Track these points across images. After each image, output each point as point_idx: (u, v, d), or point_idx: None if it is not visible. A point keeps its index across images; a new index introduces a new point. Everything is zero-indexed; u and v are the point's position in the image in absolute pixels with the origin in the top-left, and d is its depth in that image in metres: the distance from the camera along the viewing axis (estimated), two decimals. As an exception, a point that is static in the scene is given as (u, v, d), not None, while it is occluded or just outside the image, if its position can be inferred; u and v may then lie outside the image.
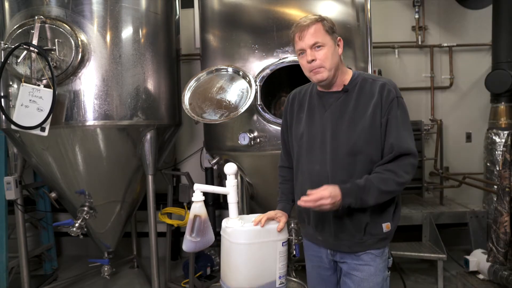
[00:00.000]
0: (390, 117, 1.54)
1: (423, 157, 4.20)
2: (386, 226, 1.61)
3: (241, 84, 2.63)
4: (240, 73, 2.65)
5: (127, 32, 2.88)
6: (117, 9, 2.83)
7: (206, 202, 1.65)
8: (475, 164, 4.42)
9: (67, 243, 4.64)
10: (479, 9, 4.48)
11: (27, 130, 2.61)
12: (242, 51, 2.72)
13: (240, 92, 2.59)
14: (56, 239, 4.19)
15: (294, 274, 3.14)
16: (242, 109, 2.49)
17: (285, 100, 3.37)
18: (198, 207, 1.62)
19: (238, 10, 2.78)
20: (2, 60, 2.56)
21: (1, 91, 2.84)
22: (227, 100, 2.58)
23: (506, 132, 3.85)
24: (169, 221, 3.47)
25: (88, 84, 2.74)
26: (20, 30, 2.62)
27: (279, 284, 1.67)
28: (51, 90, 2.56)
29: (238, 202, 1.70)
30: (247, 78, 2.60)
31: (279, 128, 2.61)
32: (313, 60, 1.56)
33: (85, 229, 3.17)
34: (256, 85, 2.60)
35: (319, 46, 1.56)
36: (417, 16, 4.42)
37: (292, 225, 2.88)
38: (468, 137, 4.57)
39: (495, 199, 3.37)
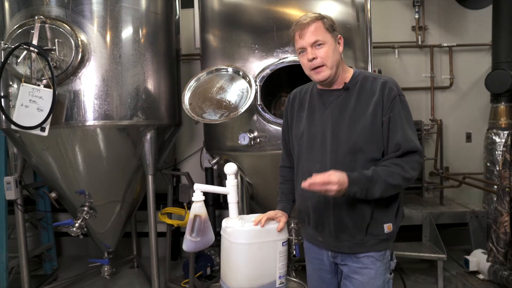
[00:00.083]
0: (394, 115, 1.52)
1: (423, 157, 4.20)
2: (387, 227, 1.59)
3: (241, 84, 2.63)
4: (240, 73, 2.65)
5: (127, 32, 2.88)
6: (117, 9, 2.83)
7: (206, 202, 1.65)
8: (475, 164, 4.42)
9: (67, 243, 4.64)
10: (479, 9, 4.48)
11: (27, 130, 2.61)
12: (242, 51, 2.72)
13: (240, 92, 2.59)
14: (56, 239, 4.19)
15: (294, 274, 3.14)
16: (242, 109, 2.49)
17: (285, 100, 3.39)
18: (198, 207, 1.62)
19: (238, 10, 2.78)
20: (2, 60, 2.56)
21: (1, 91, 2.84)
22: (227, 100, 2.58)
23: (506, 132, 3.85)
24: (169, 221, 3.47)
25: (88, 84, 2.74)
26: (20, 30, 2.62)
27: (279, 284, 1.67)
28: (51, 90, 2.56)
29: (238, 202, 1.69)
30: (247, 78, 2.60)
31: (279, 128, 2.62)
32: (314, 58, 1.55)
33: (85, 229, 3.17)
34: (256, 85, 2.60)
35: (319, 44, 1.55)
36: (417, 16, 4.42)
37: (292, 225, 2.88)
38: (468, 137, 4.57)
39: (495, 199, 3.37)
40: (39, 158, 2.98)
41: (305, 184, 1.41)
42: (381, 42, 4.35)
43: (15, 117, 2.60)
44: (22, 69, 2.62)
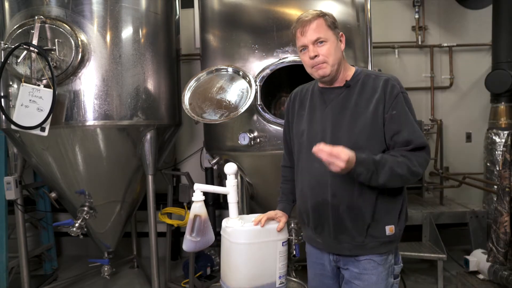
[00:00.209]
0: (397, 112, 1.49)
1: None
2: (389, 229, 1.55)
3: (241, 84, 2.63)
4: (240, 73, 2.65)
5: (127, 32, 2.88)
6: (117, 9, 2.83)
7: (206, 202, 1.65)
8: (475, 164, 4.42)
9: (67, 243, 4.64)
10: (479, 9, 4.48)
11: (27, 130, 2.61)
12: (242, 51, 2.72)
13: (240, 92, 2.59)
14: (56, 239, 4.19)
15: (294, 274, 3.14)
16: (242, 109, 2.49)
17: (285, 100, 3.40)
18: (198, 207, 1.62)
19: (238, 10, 2.78)
20: (2, 60, 2.56)
21: (1, 91, 2.84)
22: (227, 100, 2.58)
23: (506, 132, 3.85)
24: (169, 221, 3.47)
25: (88, 84, 2.74)
26: (20, 30, 2.62)
27: (279, 284, 1.67)
28: (51, 90, 2.56)
29: (238, 202, 1.69)
30: (247, 78, 2.60)
31: (279, 128, 2.63)
32: (315, 56, 1.53)
33: (85, 229, 3.17)
34: (256, 85, 2.60)
35: (321, 42, 1.53)
36: (417, 16, 4.42)
37: (292, 225, 2.88)
38: (468, 137, 4.57)
39: (495, 199, 3.37)
40: (39, 158, 2.98)
41: (315, 148, 1.38)
42: (381, 42, 4.35)
43: (15, 117, 2.60)
44: (22, 69, 2.62)
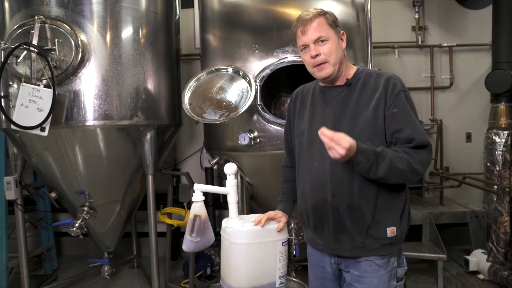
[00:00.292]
0: (398, 110, 1.47)
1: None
2: (391, 231, 1.52)
3: (241, 84, 2.63)
4: (240, 73, 2.65)
5: (127, 32, 2.88)
6: (117, 9, 2.83)
7: (206, 202, 1.65)
8: (475, 164, 4.42)
9: (67, 243, 4.64)
10: (479, 9, 4.48)
11: (27, 130, 2.61)
12: (242, 51, 2.72)
13: (240, 92, 2.59)
14: (56, 239, 4.19)
15: (294, 274, 3.14)
16: (242, 109, 2.49)
17: (285, 100, 3.40)
18: (198, 207, 1.62)
19: (238, 10, 2.78)
20: (2, 60, 2.56)
21: (1, 91, 2.84)
22: (227, 100, 2.58)
23: (506, 132, 3.85)
24: (169, 221, 3.47)
25: (88, 84, 2.74)
26: (20, 30, 2.62)
27: (279, 284, 1.67)
28: (51, 90, 2.56)
29: (238, 202, 1.69)
30: (247, 78, 2.60)
31: (279, 128, 2.63)
32: (317, 55, 1.51)
33: (85, 229, 3.17)
34: (256, 85, 2.60)
35: (323, 41, 1.51)
36: (417, 16, 4.42)
37: (292, 225, 2.88)
38: (468, 137, 4.57)
39: (495, 199, 3.37)
40: (39, 158, 2.98)
41: (319, 131, 1.35)
42: (381, 42, 4.35)
43: (15, 117, 2.60)
44: (22, 69, 2.62)
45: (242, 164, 2.81)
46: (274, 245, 1.65)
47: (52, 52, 2.58)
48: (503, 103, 4.01)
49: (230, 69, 2.70)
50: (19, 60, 2.57)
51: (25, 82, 2.59)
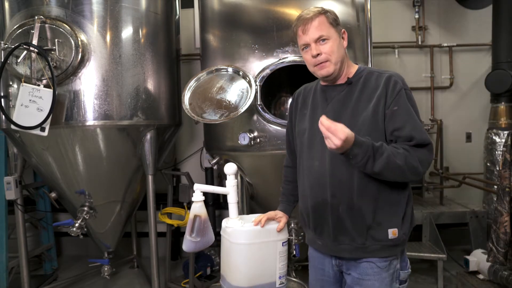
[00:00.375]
0: (399, 108, 1.45)
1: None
2: (392, 232, 1.49)
3: (241, 84, 2.63)
4: (240, 73, 2.65)
5: (127, 32, 2.88)
6: (117, 9, 2.83)
7: (206, 202, 1.65)
8: (475, 164, 4.42)
9: (67, 243, 4.64)
10: (479, 9, 4.48)
11: (27, 130, 2.61)
12: (242, 51, 2.72)
13: (240, 92, 2.59)
14: (56, 239, 4.19)
15: (294, 274, 3.14)
16: (242, 109, 2.49)
17: (285, 100, 3.40)
18: (198, 207, 1.62)
19: (238, 10, 2.78)
20: (2, 60, 2.56)
21: (1, 91, 2.84)
22: (227, 100, 2.58)
23: (506, 132, 3.85)
24: (169, 221, 3.47)
25: (88, 84, 2.74)
26: (20, 30, 2.62)
27: (279, 284, 1.67)
28: (51, 90, 2.56)
29: (238, 202, 1.69)
30: (247, 78, 2.60)
31: (279, 128, 2.63)
32: (318, 54, 1.50)
33: (85, 229, 3.17)
34: (256, 85, 2.60)
35: (324, 40, 1.50)
36: (417, 16, 4.42)
37: (292, 225, 2.88)
38: (468, 137, 4.57)
39: (495, 199, 3.37)
40: (39, 158, 2.98)
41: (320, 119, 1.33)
42: (381, 42, 4.35)
43: (15, 117, 2.60)
44: (22, 69, 2.62)
45: (242, 164, 2.81)
46: (274, 245, 1.64)
47: (52, 52, 2.58)
48: (503, 103, 4.01)
49: (230, 69, 2.70)
50: (19, 60, 2.57)
51: (25, 82, 2.59)
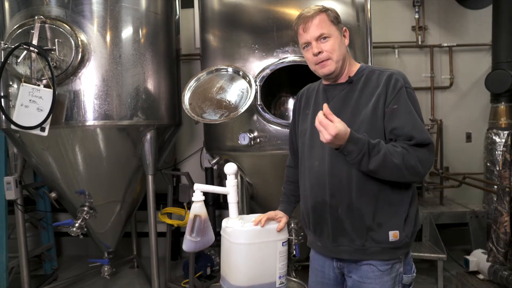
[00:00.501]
0: (399, 106, 1.42)
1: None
2: (393, 235, 1.45)
3: (241, 84, 2.63)
4: (240, 73, 2.65)
5: (127, 32, 2.88)
6: (117, 9, 2.83)
7: (206, 202, 1.65)
8: (475, 164, 4.42)
9: (67, 243, 4.64)
10: (479, 9, 4.48)
11: (27, 130, 2.61)
12: (242, 51, 2.72)
13: (240, 92, 2.59)
14: (56, 239, 4.19)
15: (294, 274, 3.14)
16: (242, 109, 2.49)
17: (285, 100, 3.40)
18: (198, 207, 1.62)
19: (238, 10, 2.78)
20: (2, 60, 2.56)
21: (1, 91, 2.84)
22: (227, 100, 2.58)
23: (506, 132, 3.85)
24: (169, 221, 3.47)
25: (88, 84, 2.74)
26: (20, 30, 2.62)
27: (279, 284, 1.67)
28: (51, 90, 2.56)
29: (238, 202, 1.69)
30: (247, 78, 2.60)
31: (279, 128, 2.63)
32: (319, 53, 1.48)
33: (85, 229, 3.17)
34: (256, 85, 2.60)
35: (325, 38, 1.48)
36: (417, 16, 4.42)
37: (292, 225, 2.88)
38: (468, 137, 4.57)
39: (495, 199, 3.37)
40: (39, 158, 2.98)
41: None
42: (381, 42, 4.35)
43: (15, 117, 2.59)
44: (22, 69, 2.62)
45: (242, 164, 2.81)
46: (274, 245, 1.64)
47: (52, 52, 2.58)
48: (503, 103, 4.01)
49: (230, 69, 2.70)
50: (19, 60, 2.57)
51: (25, 82, 2.59)
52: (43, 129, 2.61)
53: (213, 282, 3.46)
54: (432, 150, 1.43)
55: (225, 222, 1.69)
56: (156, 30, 3.06)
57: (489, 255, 2.75)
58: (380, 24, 4.17)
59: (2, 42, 2.58)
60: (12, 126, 2.62)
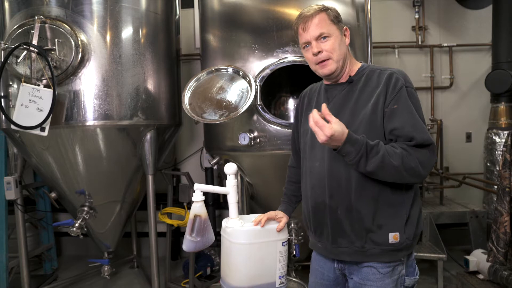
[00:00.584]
0: (399, 106, 1.40)
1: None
2: (393, 237, 1.43)
3: (241, 84, 2.63)
4: (240, 73, 2.65)
5: (127, 32, 2.88)
6: (117, 9, 2.83)
7: (206, 202, 1.65)
8: (475, 164, 4.42)
9: (67, 243, 4.64)
10: (479, 9, 4.48)
11: (27, 130, 2.61)
12: (242, 51, 2.72)
13: (240, 92, 2.59)
14: (56, 239, 4.19)
15: (294, 274, 3.14)
16: (242, 109, 2.49)
17: (285, 100, 3.40)
18: (198, 207, 1.62)
19: (238, 10, 2.78)
20: (2, 60, 2.56)
21: (1, 91, 2.84)
22: (227, 100, 2.58)
23: (506, 132, 3.85)
24: (169, 221, 3.47)
25: (88, 84, 2.74)
26: (20, 30, 2.62)
27: (279, 284, 1.66)
28: (51, 90, 2.56)
29: (238, 202, 1.69)
30: (247, 78, 2.60)
31: (279, 128, 2.63)
32: (319, 52, 1.47)
33: (85, 229, 3.17)
34: (256, 85, 2.60)
35: (325, 37, 1.47)
36: (417, 16, 4.42)
37: (292, 225, 2.88)
38: (468, 137, 4.57)
39: (495, 199, 3.37)
40: (39, 158, 2.98)
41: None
42: (381, 42, 4.36)
43: (15, 117, 2.59)
44: (22, 69, 2.62)
45: (242, 164, 2.81)
46: (274, 245, 1.64)
47: (52, 52, 2.58)
48: (503, 103, 4.02)
49: (230, 69, 2.70)
50: (19, 60, 2.57)
51: (25, 82, 2.59)
52: (43, 129, 2.61)
53: (213, 282, 3.46)
54: (433, 150, 1.41)
55: (225, 222, 1.69)
56: (156, 30, 3.06)
57: (489, 255, 2.75)
58: (380, 24, 4.17)
59: (2, 42, 2.58)
60: (12, 126, 2.62)
